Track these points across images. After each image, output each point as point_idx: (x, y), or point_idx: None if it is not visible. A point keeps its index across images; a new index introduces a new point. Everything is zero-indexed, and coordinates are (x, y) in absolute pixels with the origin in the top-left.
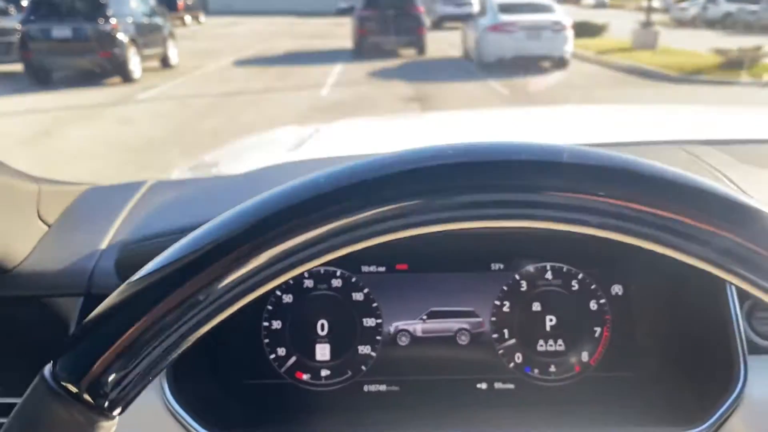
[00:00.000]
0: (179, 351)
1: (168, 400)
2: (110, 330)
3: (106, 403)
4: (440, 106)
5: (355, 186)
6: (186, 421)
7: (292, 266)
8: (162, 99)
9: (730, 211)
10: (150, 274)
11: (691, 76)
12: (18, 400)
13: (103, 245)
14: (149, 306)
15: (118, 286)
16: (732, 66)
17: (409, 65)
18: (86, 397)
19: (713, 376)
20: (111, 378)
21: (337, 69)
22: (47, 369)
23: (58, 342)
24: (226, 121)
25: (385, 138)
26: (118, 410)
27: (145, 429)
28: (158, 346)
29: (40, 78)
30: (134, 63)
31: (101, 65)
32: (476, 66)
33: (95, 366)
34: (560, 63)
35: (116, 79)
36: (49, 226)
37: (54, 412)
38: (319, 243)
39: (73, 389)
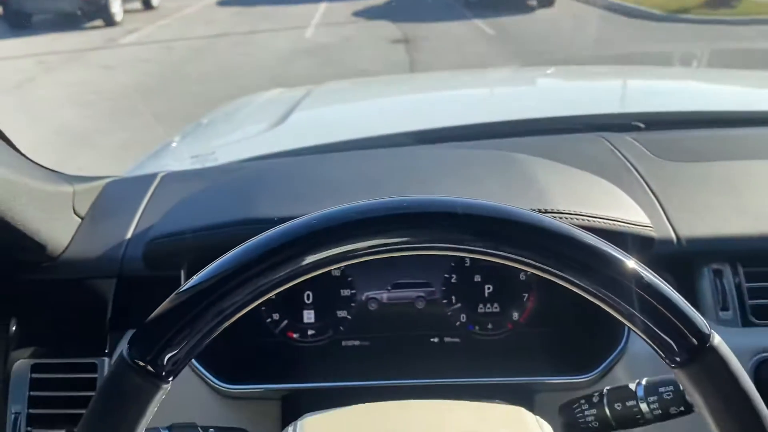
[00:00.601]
0: (215, 334)
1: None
2: (168, 323)
3: (164, 373)
4: (426, 48)
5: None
6: (202, 372)
7: (290, 280)
8: (146, 43)
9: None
10: (196, 285)
11: (676, 14)
12: (73, 360)
13: (129, 235)
14: (198, 306)
15: (144, 270)
16: (719, 4)
17: (393, 4)
18: (151, 369)
19: (606, 336)
20: (168, 357)
21: (321, 8)
22: (125, 350)
23: (99, 313)
24: (213, 66)
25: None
26: (172, 377)
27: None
28: (203, 333)
29: (19, 22)
30: (116, 5)
31: (82, 8)
32: (462, 4)
33: (157, 349)
34: (546, 1)
35: (98, 22)
36: (81, 218)
37: (130, 379)
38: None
39: (142, 364)
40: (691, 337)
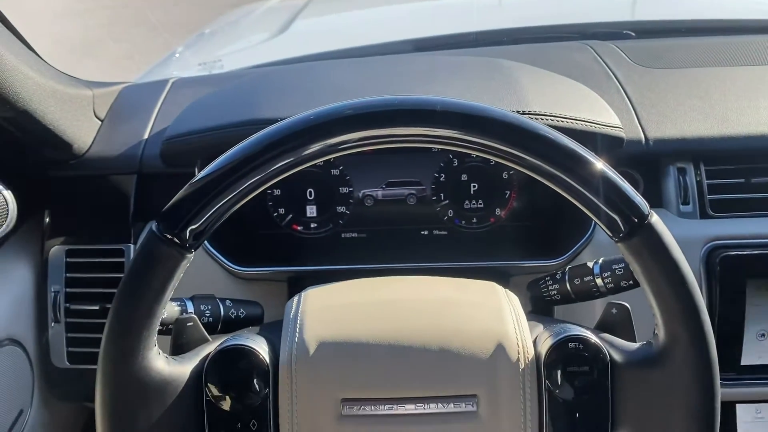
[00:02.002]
0: (230, 213)
1: (204, 243)
2: (190, 202)
3: (188, 245)
4: None
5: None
6: (217, 257)
7: (292, 167)
8: None
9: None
10: (214, 171)
11: None
12: (102, 246)
13: (146, 135)
14: (215, 188)
15: (161, 167)
16: None
17: None
18: (177, 241)
19: (575, 227)
20: (191, 229)
21: None
22: (153, 224)
23: (123, 206)
24: None
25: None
26: (194, 249)
27: (190, 265)
28: (220, 210)
29: None
30: None
31: None
32: None
33: (182, 224)
34: None
35: None
36: (101, 120)
37: (159, 249)
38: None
39: (170, 236)
40: (632, 214)
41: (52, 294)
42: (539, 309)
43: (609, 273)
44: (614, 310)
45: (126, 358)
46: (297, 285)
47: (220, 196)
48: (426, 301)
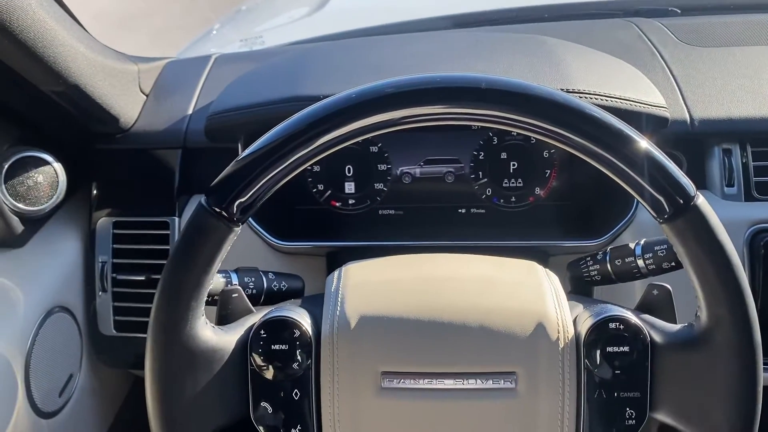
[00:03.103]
0: (276, 188)
1: (248, 219)
2: (238, 176)
3: (236, 218)
4: None
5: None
6: (260, 231)
7: (337, 144)
8: None
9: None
10: (260, 148)
11: None
12: (148, 219)
13: (190, 110)
14: (263, 163)
15: (205, 142)
16: None
17: None
18: (225, 214)
19: (616, 207)
20: (238, 203)
21: None
22: (203, 198)
23: (168, 180)
24: None
25: None
26: (241, 223)
27: (235, 240)
28: (267, 186)
29: None
30: None
31: None
32: None
33: (230, 198)
34: None
35: None
36: (146, 95)
37: (208, 222)
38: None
39: (218, 210)
40: (677, 195)
41: (100, 264)
42: (578, 289)
43: (651, 254)
44: (655, 292)
45: (175, 326)
46: (335, 260)
47: (267, 172)
48: (466, 278)
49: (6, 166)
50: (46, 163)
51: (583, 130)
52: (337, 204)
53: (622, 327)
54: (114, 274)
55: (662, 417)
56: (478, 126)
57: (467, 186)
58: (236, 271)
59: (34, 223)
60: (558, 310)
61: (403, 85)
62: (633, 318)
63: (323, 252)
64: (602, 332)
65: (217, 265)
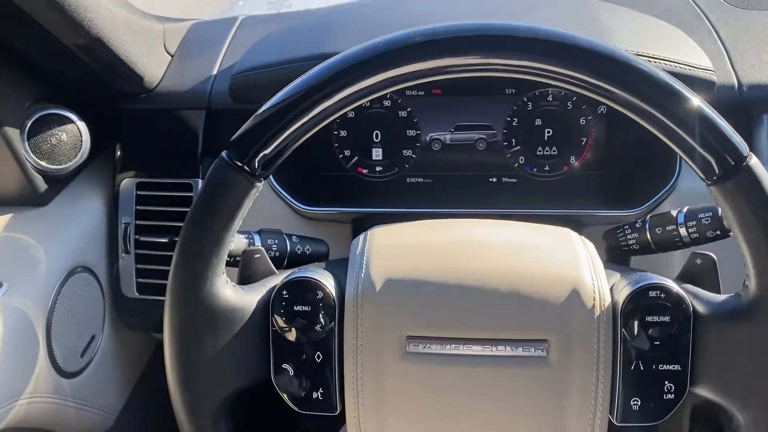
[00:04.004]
0: (299, 143)
1: (272, 182)
2: (260, 128)
3: (258, 173)
4: None
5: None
6: (284, 196)
7: (363, 96)
8: None
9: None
10: (282, 100)
11: None
12: (172, 180)
13: (215, 71)
14: (286, 115)
15: (230, 103)
16: None
17: None
18: (247, 168)
19: (657, 175)
20: (260, 157)
21: None
22: (224, 153)
23: (192, 141)
24: None
25: None
26: (263, 178)
27: (258, 201)
28: (289, 139)
29: None
30: None
31: None
32: None
33: (252, 152)
34: None
35: None
36: (171, 55)
37: (229, 176)
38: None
39: (240, 164)
40: (729, 155)
41: (123, 226)
42: (615, 259)
43: (694, 222)
44: (699, 261)
45: (195, 283)
46: (361, 227)
47: (290, 125)
48: (498, 242)
49: (29, 123)
50: (70, 121)
51: (629, 85)
52: (364, 171)
53: (663, 296)
54: (137, 236)
55: (703, 392)
56: (511, 77)
57: (499, 154)
58: (259, 232)
59: (57, 182)
60: (594, 277)
61: (434, 33)
62: (675, 286)
63: (349, 218)
64: (641, 301)
65: (239, 222)
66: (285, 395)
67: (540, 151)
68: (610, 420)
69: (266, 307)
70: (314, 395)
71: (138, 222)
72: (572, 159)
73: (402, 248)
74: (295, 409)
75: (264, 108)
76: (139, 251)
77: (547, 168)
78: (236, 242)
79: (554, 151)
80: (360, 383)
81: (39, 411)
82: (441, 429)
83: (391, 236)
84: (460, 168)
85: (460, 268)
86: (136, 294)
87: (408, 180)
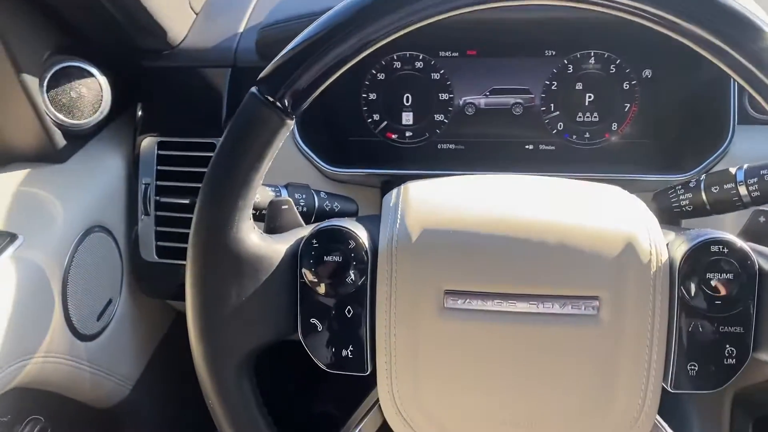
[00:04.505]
0: (329, 81)
1: (298, 142)
2: (291, 63)
3: (288, 109)
4: None
5: None
6: (311, 156)
7: (400, 29)
8: None
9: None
10: (313, 35)
11: None
12: (194, 139)
13: (241, 29)
14: (318, 49)
15: (256, 61)
16: None
17: None
18: (278, 104)
19: (709, 141)
20: (291, 92)
21: None
22: (254, 88)
23: (216, 100)
24: None
25: None
26: (294, 115)
27: (285, 162)
28: (321, 74)
29: None
30: None
31: None
32: None
33: (283, 87)
34: None
35: None
36: (196, 13)
37: (259, 112)
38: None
39: (270, 99)
40: None
41: (143, 186)
42: (666, 222)
43: (755, 179)
44: (762, 219)
45: (220, 226)
46: (390, 190)
47: (323, 57)
48: (544, 194)
49: (48, 76)
50: (91, 75)
51: (694, 15)
52: (394, 136)
53: (726, 251)
54: (157, 197)
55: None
56: (551, 53)
57: (537, 119)
58: (286, 186)
59: (76, 139)
60: (649, 232)
61: None
62: (739, 241)
63: (378, 182)
64: (702, 256)
65: (267, 163)
66: (312, 353)
67: (580, 117)
68: (663, 387)
69: (294, 257)
70: (343, 353)
71: (158, 183)
72: (614, 126)
73: (440, 199)
74: (324, 368)
75: (296, 41)
76: (159, 213)
77: (587, 135)
78: (262, 194)
79: (595, 117)
80: (393, 341)
81: (53, 371)
82: (479, 392)
83: (428, 188)
84: (495, 134)
85: (504, 219)
86: (156, 258)
87: (439, 146)
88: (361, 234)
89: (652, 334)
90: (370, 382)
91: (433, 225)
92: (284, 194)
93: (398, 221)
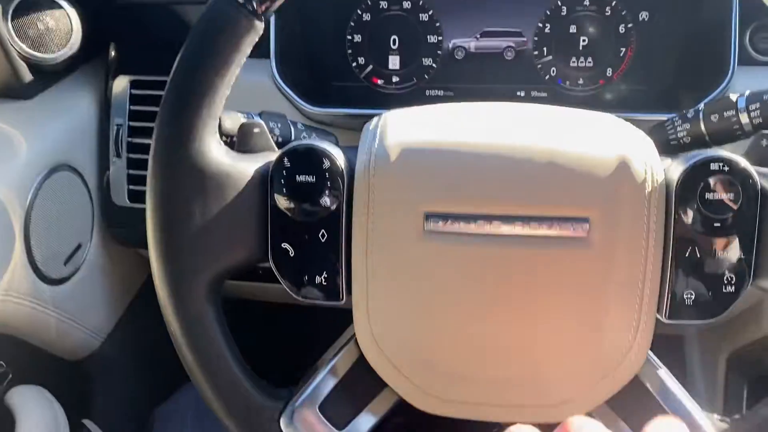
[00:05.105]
0: None
1: (278, 81)
2: None
3: (259, 10)
4: None
5: None
6: (291, 96)
7: None
8: None
9: None
10: None
11: None
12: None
13: None
14: None
15: None
16: None
17: None
18: (247, 5)
19: (709, 82)
20: None
21: None
22: None
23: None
24: None
25: None
26: (263, 18)
27: (262, 102)
28: None
29: None
30: None
31: None
32: None
33: None
34: None
35: None
36: None
37: (226, 12)
38: None
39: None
40: None
41: (115, 128)
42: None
43: (758, 105)
44: (765, 142)
45: (183, 139)
46: None
47: None
48: (533, 115)
49: (13, 5)
50: (59, 6)
51: None
52: (379, 81)
53: (727, 168)
54: (130, 138)
55: None
56: None
57: (529, 64)
58: (260, 114)
59: (45, 75)
60: (644, 152)
61: None
62: (741, 159)
63: (360, 125)
64: (701, 174)
65: (235, 70)
66: (284, 281)
67: (573, 62)
68: (657, 319)
69: (264, 177)
70: (317, 281)
71: (131, 123)
72: (609, 71)
73: (423, 120)
74: (295, 297)
75: None
76: (131, 155)
77: (581, 81)
78: (232, 120)
79: (589, 62)
80: (370, 267)
81: (14, 312)
82: (462, 319)
83: (410, 112)
84: (485, 80)
85: (489, 138)
86: (127, 202)
87: (427, 92)
88: (337, 155)
89: (645, 259)
90: (347, 318)
91: (414, 143)
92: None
93: (377, 141)
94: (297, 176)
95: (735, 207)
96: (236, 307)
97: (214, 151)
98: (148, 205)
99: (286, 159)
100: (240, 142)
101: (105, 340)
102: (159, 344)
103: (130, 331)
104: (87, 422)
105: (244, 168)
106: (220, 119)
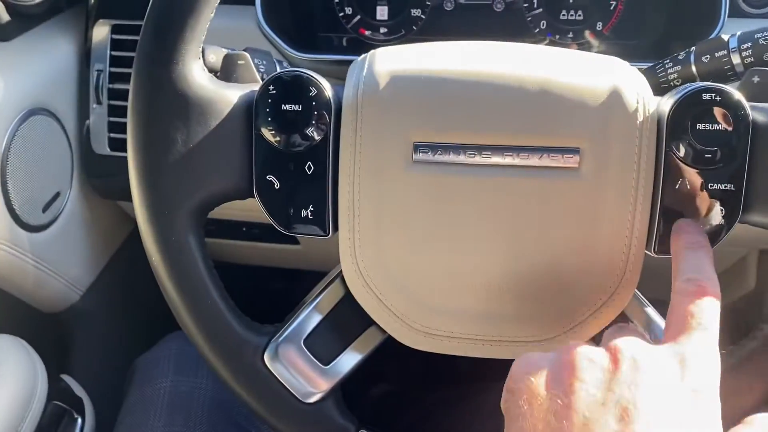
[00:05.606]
0: None
1: (262, 26)
2: None
3: None
4: None
5: None
6: (276, 41)
7: None
8: None
9: None
10: None
11: None
12: None
13: None
14: None
15: None
16: None
17: None
18: None
19: (699, 34)
20: None
21: None
22: None
23: None
24: None
25: None
26: None
27: (245, 45)
28: None
29: None
30: None
31: None
32: None
33: None
34: None
35: None
36: None
37: None
38: None
39: None
40: None
41: (95, 74)
42: None
43: (750, 44)
44: (756, 78)
45: (164, 58)
46: None
47: None
48: (525, 49)
49: None
50: None
51: None
52: (367, 33)
53: (719, 99)
54: (111, 85)
55: (758, 218)
56: None
57: (518, 17)
58: (245, 49)
59: (24, 18)
60: (637, 84)
61: None
62: (734, 90)
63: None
64: (693, 105)
65: (210, 9)
66: (269, 213)
67: (564, 15)
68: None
69: (249, 106)
70: (303, 214)
71: (112, 69)
72: (599, 25)
73: (413, 51)
74: (280, 230)
75: None
76: (112, 102)
77: (570, 34)
78: (216, 54)
79: (579, 15)
80: (357, 198)
81: None
82: (450, 252)
83: (400, 47)
84: (474, 32)
85: (479, 66)
86: (108, 150)
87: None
88: (325, 83)
89: (636, 190)
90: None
91: (403, 71)
92: None
93: (365, 70)
94: (283, 105)
95: (726, 137)
96: (220, 272)
97: (197, 76)
98: (129, 127)
99: (271, 87)
100: (224, 72)
101: (85, 294)
102: (140, 299)
103: (111, 285)
104: (65, 377)
105: (228, 95)
106: (203, 51)
